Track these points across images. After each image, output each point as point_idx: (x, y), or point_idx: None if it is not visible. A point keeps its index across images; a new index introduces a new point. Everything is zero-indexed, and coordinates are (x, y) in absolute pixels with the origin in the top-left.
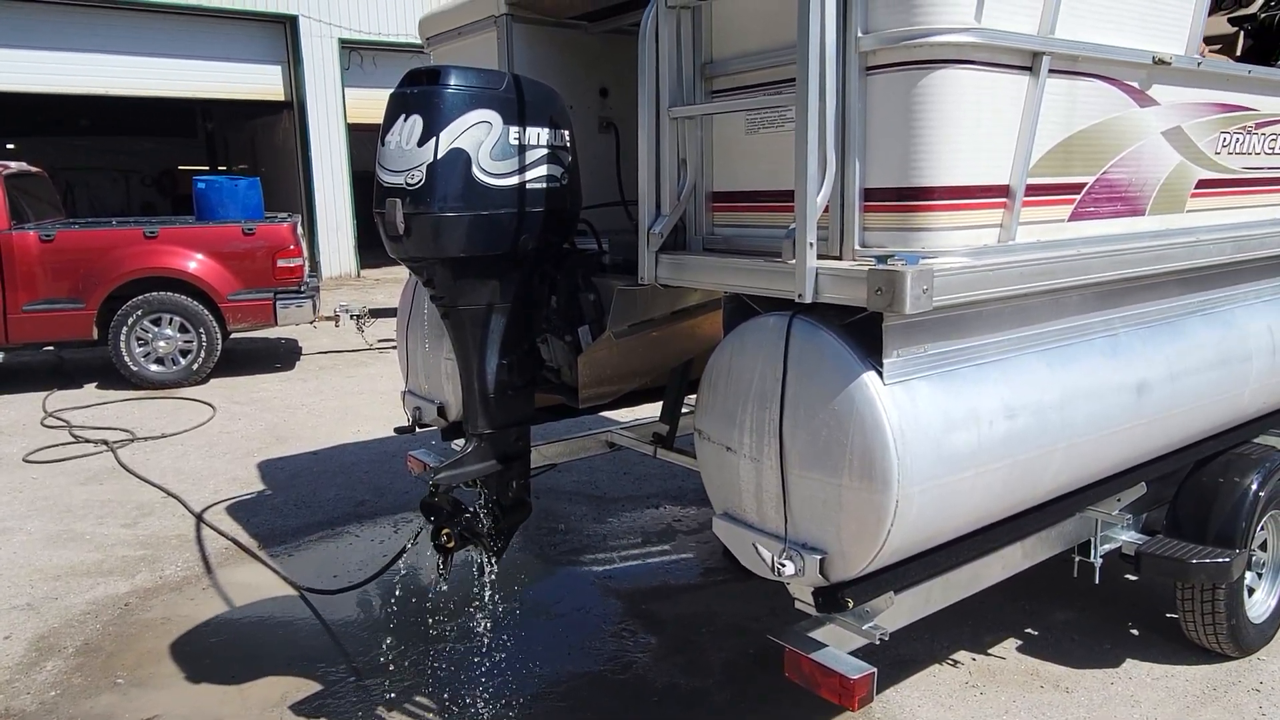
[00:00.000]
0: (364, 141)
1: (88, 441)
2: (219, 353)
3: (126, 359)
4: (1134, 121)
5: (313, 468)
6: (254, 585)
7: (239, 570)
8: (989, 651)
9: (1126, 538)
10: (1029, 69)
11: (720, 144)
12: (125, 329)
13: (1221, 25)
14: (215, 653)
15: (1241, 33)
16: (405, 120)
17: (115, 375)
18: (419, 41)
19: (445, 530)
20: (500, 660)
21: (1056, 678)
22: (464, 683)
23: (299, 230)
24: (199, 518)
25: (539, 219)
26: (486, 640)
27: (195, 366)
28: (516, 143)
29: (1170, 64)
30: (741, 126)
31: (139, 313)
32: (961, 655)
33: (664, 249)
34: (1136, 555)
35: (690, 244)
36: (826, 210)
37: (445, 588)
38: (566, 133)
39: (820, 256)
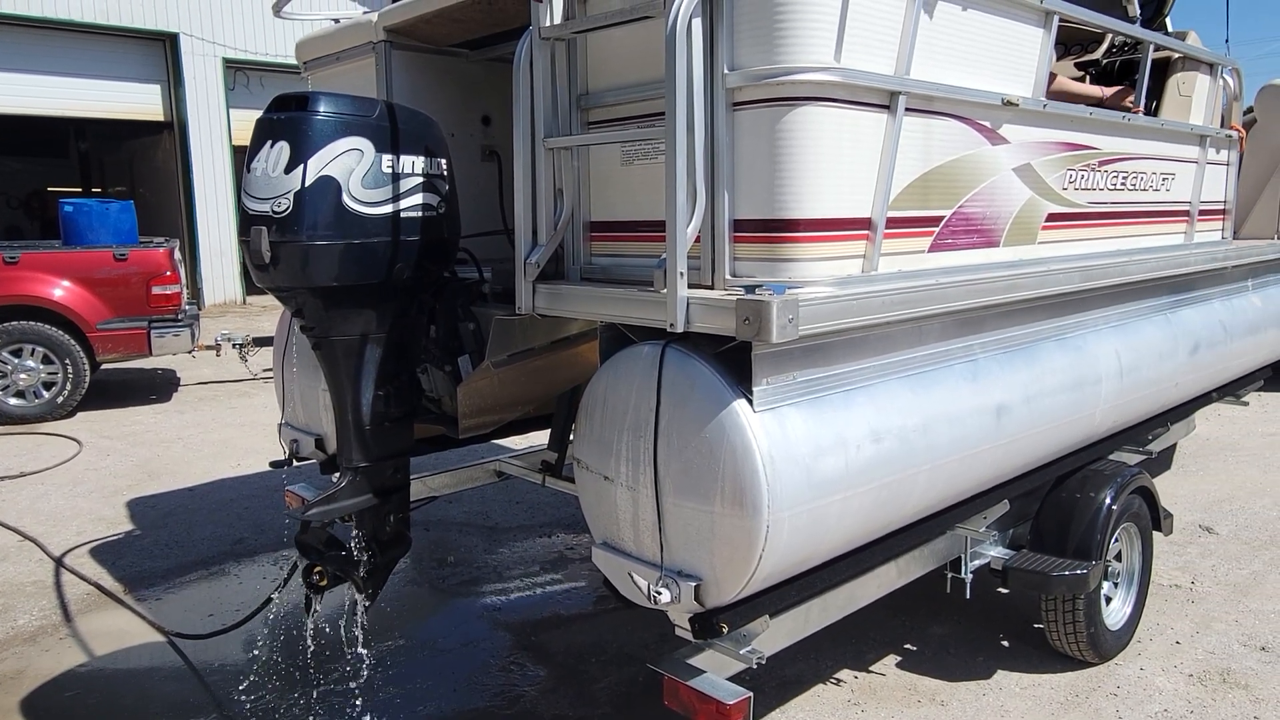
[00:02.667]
0: None
1: None
2: (87, 385)
3: None
4: (987, 158)
5: (188, 505)
6: (118, 632)
7: (102, 617)
8: (871, 669)
9: (994, 553)
10: (887, 107)
11: (597, 174)
12: None
13: (1069, 70)
14: (72, 708)
15: (1087, 77)
16: (272, 147)
17: None
18: None
19: (317, 568)
20: (384, 700)
21: (933, 691)
22: None
23: (177, 255)
24: (58, 562)
25: (415, 248)
26: (369, 680)
27: (60, 400)
28: (390, 171)
29: (1018, 105)
30: (617, 158)
31: None
32: (845, 674)
33: (542, 278)
34: (1004, 570)
35: (568, 273)
36: (699, 240)
37: (326, 627)
38: (443, 161)
39: (693, 286)
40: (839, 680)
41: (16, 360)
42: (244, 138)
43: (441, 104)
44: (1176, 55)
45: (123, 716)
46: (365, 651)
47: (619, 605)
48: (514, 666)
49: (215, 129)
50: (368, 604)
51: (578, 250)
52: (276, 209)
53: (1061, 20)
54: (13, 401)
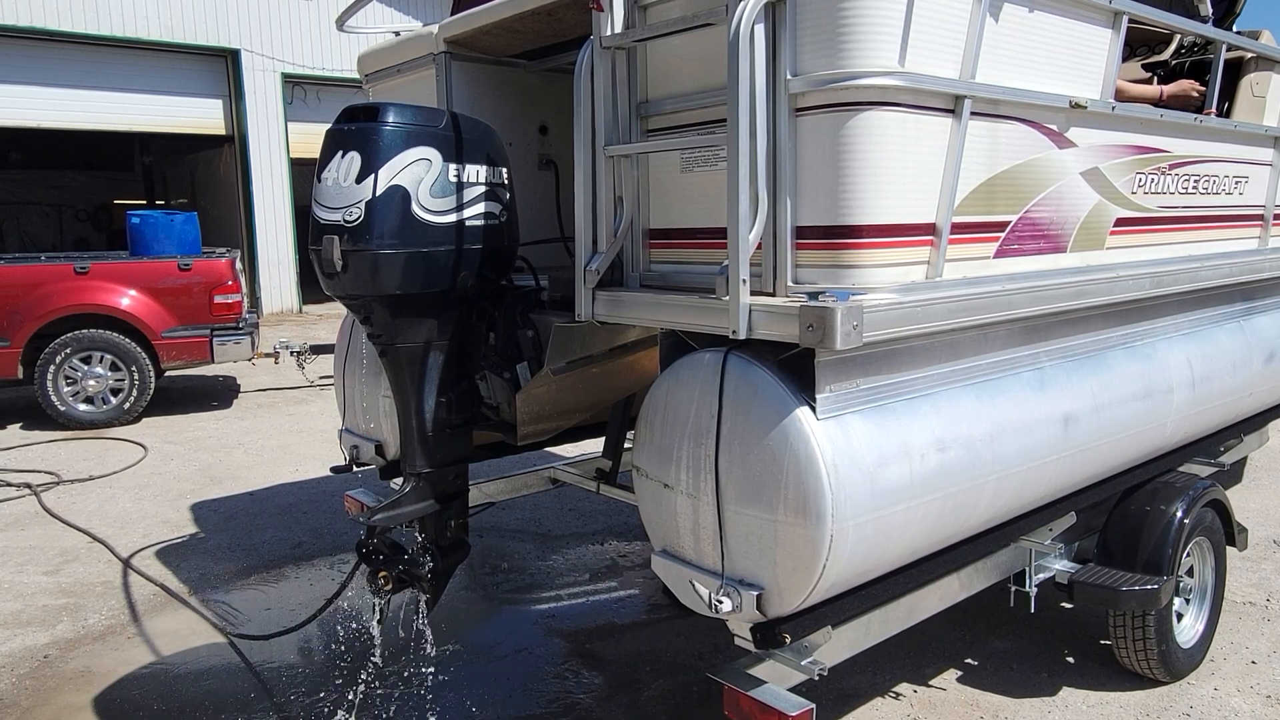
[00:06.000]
0: (307, 176)
1: (9, 485)
2: (152, 391)
3: (53, 398)
4: (1054, 162)
5: (249, 509)
6: (183, 633)
7: (167, 617)
8: (930, 683)
9: (1060, 567)
10: (952, 111)
11: (656, 182)
12: (53, 367)
13: (1136, 71)
14: (138, 705)
15: (1154, 79)
16: (343, 157)
17: (41, 415)
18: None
19: (382, 573)
20: (440, 705)
21: (996, 708)
22: None
23: (238, 265)
24: (126, 563)
25: (477, 256)
26: (425, 685)
27: (126, 405)
28: (455, 180)
29: (1086, 108)
30: (676, 165)
31: (67, 350)
32: (903, 687)
33: (601, 286)
34: (1070, 584)
35: (627, 280)
36: (760, 247)
37: (381, 632)
38: (504, 170)
39: (754, 293)
40: (898, 694)
41: (86, 367)
42: (301, 150)
43: (500, 114)
44: (1249, 55)
45: (188, 715)
46: (424, 656)
47: (673, 614)
48: (568, 673)
49: (274, 142)
50: (430, 608)
51: (637, 257)
52: (348, 218)
53: (1130, 21)
54: (82, 407)
